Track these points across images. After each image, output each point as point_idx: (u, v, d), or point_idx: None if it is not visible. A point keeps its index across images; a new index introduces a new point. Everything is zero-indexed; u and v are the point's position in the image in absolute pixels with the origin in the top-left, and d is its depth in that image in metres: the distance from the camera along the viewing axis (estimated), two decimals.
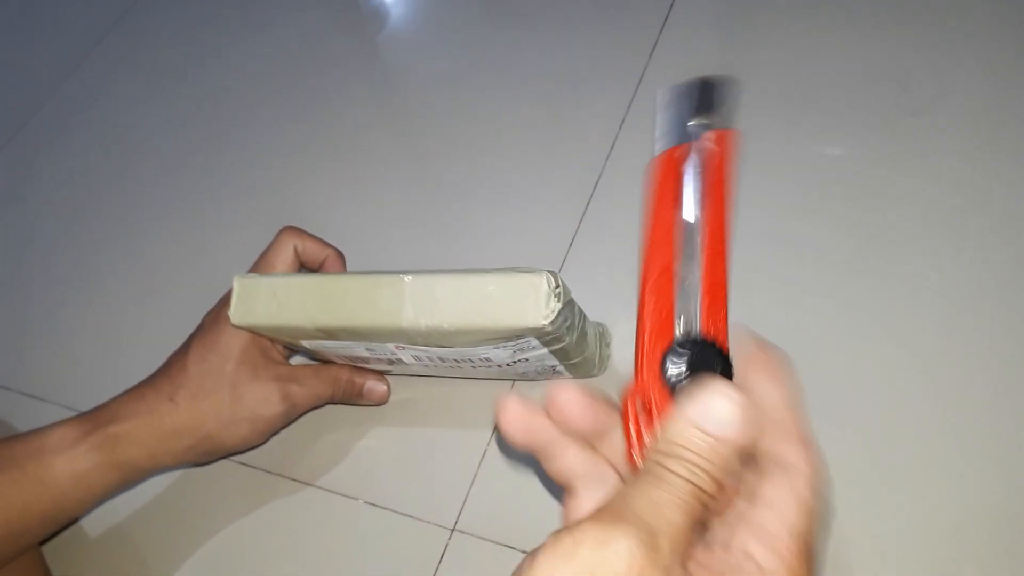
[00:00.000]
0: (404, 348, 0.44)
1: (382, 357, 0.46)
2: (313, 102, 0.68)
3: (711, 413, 0.26)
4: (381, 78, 0.70)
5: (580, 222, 0.57)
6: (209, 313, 0.48)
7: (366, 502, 0.50)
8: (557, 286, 0.39)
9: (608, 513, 0.24)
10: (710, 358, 0.29)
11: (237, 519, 0.50)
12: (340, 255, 0.50)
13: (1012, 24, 0.61)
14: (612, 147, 0.60)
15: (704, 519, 0.26)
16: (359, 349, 0.45)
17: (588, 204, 0.58)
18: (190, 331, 0.47)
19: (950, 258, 0.52)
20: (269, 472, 0.51)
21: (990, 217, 0.53)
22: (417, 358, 0.46)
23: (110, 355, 0.58)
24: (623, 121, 0.61)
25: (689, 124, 0.32)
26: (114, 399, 0.46)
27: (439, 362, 0.46)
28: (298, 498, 0.50)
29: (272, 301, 0.43)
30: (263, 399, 0.46)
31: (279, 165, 0.66)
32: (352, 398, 0.51)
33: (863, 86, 0.60)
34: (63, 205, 0.67)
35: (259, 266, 0.48)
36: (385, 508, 0.49)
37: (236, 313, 0.44)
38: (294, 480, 0.51)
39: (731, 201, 0.31)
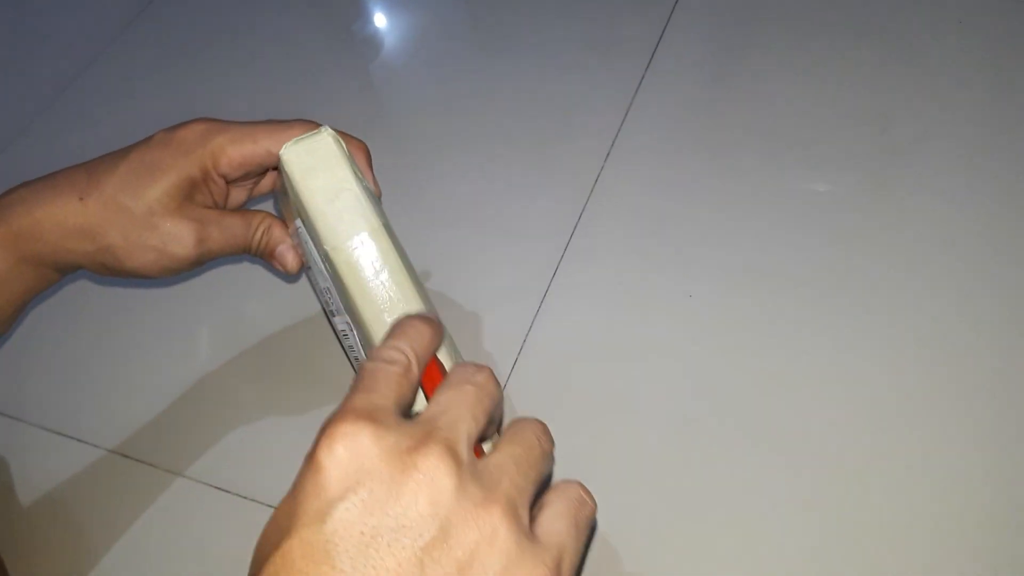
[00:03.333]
0: (351, 330, 0.44)
1: (329, 302, 0.46)
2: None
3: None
4: (372, 105, 0.70)
5: (563, 252, 0.57)
6: (166, 129, 0.45)
7: None
8: None
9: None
10: None
11: (223, 548, 0.50)
12: (362, 148, 0.46)
13: (991, 69, 0.62)
14: (597, 179, 0.61)
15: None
16: (322, 280, 0.44)
17: (572, 234, 0.58)
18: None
19: (926, 295, 0.52)
20: (243, 496, 0.51)
21: (966, 256, 0.53)
22: (345, 335, 0.46)
23: (123, 386, 0.57)
24: (608, 154, 0.62)
25: None
26: (27, 184, 0.44)
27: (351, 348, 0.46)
28: (250, 516, 0.50)
29: (326, 183, 0.41)
30: (176, 236, 0.43)
31: None
32: (265, 254, 0.48)
33: (845, 125, 0.61)
34: None
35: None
36: None
37: (294, 151, 0.41)
38: (247, 499, 0.51)
39: None
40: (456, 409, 0.29)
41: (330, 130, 0.42)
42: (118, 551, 0.50)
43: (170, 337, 0.58)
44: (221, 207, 0.47)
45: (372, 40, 0.75)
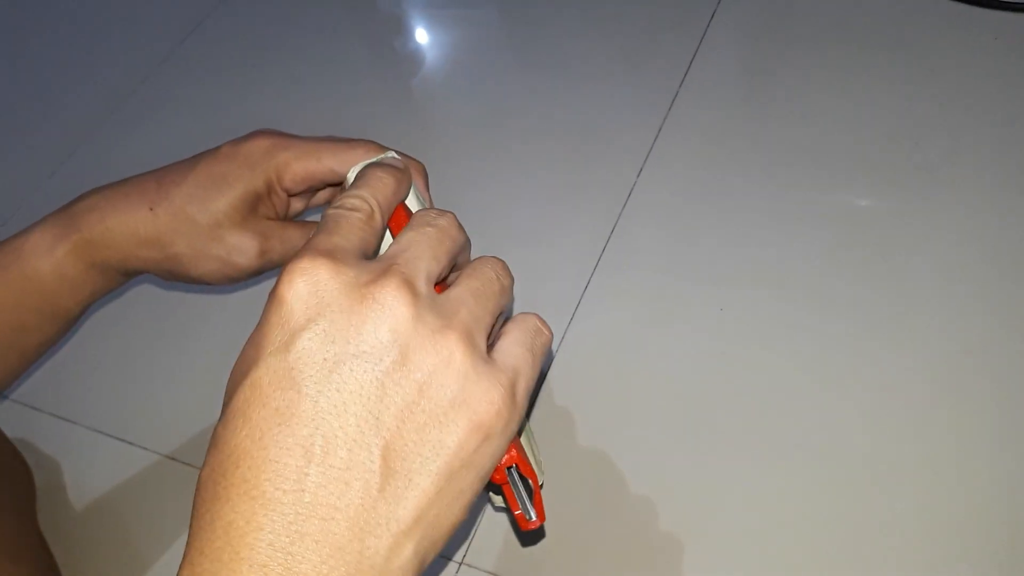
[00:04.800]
0: None
1: None
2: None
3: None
4: (413, 120, 0.72)
5: (596, 264, 0.59)
6: (233, 141, 0.46)
7: None
8: None
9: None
10: None
11: None
12: (420, 169, 0.46)
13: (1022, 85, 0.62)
14: (630, 193, 0.62)
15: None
16: None
17: (605, 247, 0.59)
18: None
19: (964, 310, 0.53)
20: None
21: (1004, 270, 0.54)
22: None
23: (176, 392, 0.59)
24: (641, 169, 0.63)
25: None
26: (99, 191, 0.45)
27: None
28: None
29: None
30: (240, 248, 0.45)
31: None
32: None
33: (878, 141, 0.61)
34: None
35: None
36: None
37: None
38: None
39: None
40: (416, 248, 0.31)
41: (395, 154, 0.44)
42: (170, 555, 0.52)
43: (223, 344, 0.60)
44: (282, 218, 0.48)
45: (413, 57, 0.76)
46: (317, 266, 0.28)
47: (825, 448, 0.49)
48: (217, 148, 0.46)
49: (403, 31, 0.79)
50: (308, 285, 0.28)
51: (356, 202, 0.33)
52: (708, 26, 0.71)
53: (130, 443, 0.56)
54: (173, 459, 0.55)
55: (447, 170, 0.66)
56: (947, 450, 0.48)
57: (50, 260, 0.44)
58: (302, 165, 0.45)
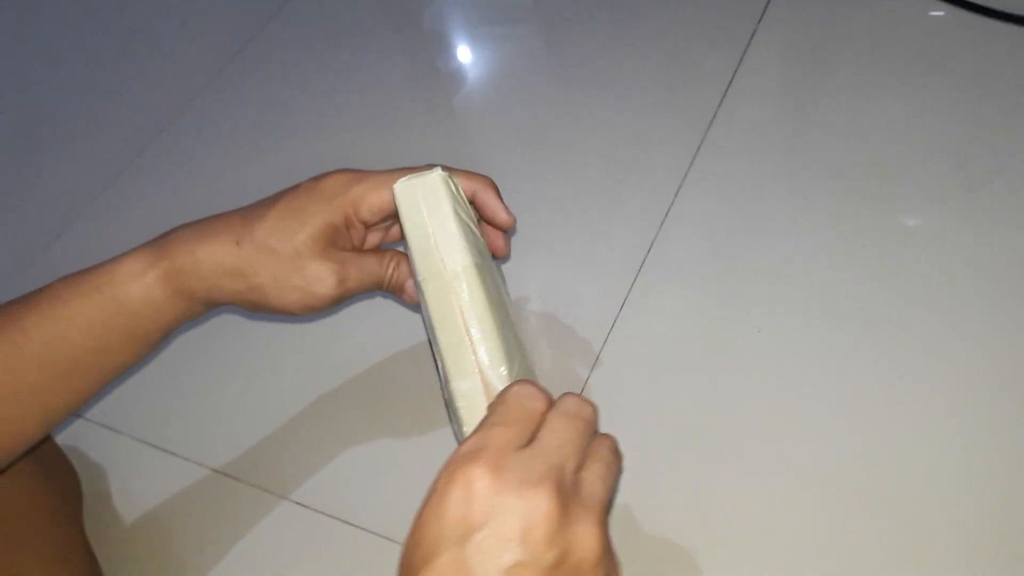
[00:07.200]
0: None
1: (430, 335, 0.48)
2: (389, 156, 0.71)
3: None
4: (455, 135, 0.73)
5: (634, 280, 0.59)
6: (312, 178, 0.49)
7: None
8: None
9: None
10: None
11: (295, 561, 0.53)
12: (490, 184, 0.50)
13: None
14: (668, 211, 0.62)
15: None
16: (424, 310, 0.46)
17: (643, 264, 0.59)
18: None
19: (1009, 331, 0.52)
20: (326, 514, 0.54)
21: None
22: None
23: (228, 407, 0.60)
24: (679, 187, 0.63)
25: None
26: (188, 226, 0.48)
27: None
28: (350, 542, 0.52)
29: (427, 218, 0.44)
30: (319, 277, 0.47)
31: None
32: (396, 289, 0.51)
33: (922, 160, 0.60)
34: None
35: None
36: None
37: (405, 187, 0.45)
38: (348, 524, 0.53)
39: None
40: (569, 445, 0.35)
41: (440, 170, 0.45)
42: (212, 565, 0.52)
43: (269, 359, 0.61)
44: (359, 249, 0.50)
45: (456, 74, 0.77)
46: (485, 474, 0.33)
47: (864, 470, 0.48)
48: (297, 185, 0.49)
49: (446, 49, 0.80)
50: (484, 488, 0.33)
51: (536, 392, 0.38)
52: (749, 44, 0.71)
53: (174, 454, 0.57)
54: (217, 472, 0.56)
55: None
56: (1000, 477, 0.47)
57: (140, 285, 0.46)
58: (376, 196, 0.47)
